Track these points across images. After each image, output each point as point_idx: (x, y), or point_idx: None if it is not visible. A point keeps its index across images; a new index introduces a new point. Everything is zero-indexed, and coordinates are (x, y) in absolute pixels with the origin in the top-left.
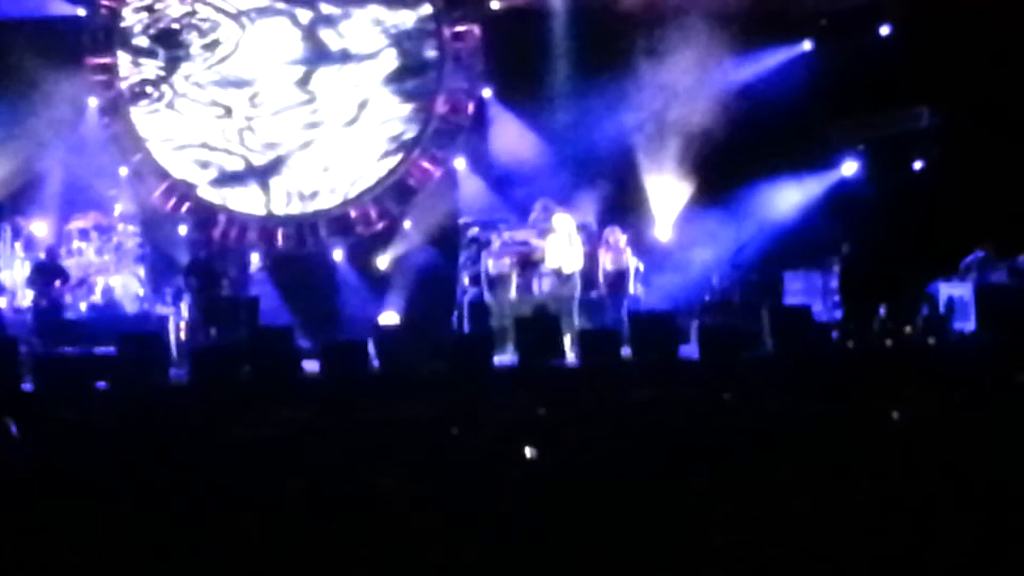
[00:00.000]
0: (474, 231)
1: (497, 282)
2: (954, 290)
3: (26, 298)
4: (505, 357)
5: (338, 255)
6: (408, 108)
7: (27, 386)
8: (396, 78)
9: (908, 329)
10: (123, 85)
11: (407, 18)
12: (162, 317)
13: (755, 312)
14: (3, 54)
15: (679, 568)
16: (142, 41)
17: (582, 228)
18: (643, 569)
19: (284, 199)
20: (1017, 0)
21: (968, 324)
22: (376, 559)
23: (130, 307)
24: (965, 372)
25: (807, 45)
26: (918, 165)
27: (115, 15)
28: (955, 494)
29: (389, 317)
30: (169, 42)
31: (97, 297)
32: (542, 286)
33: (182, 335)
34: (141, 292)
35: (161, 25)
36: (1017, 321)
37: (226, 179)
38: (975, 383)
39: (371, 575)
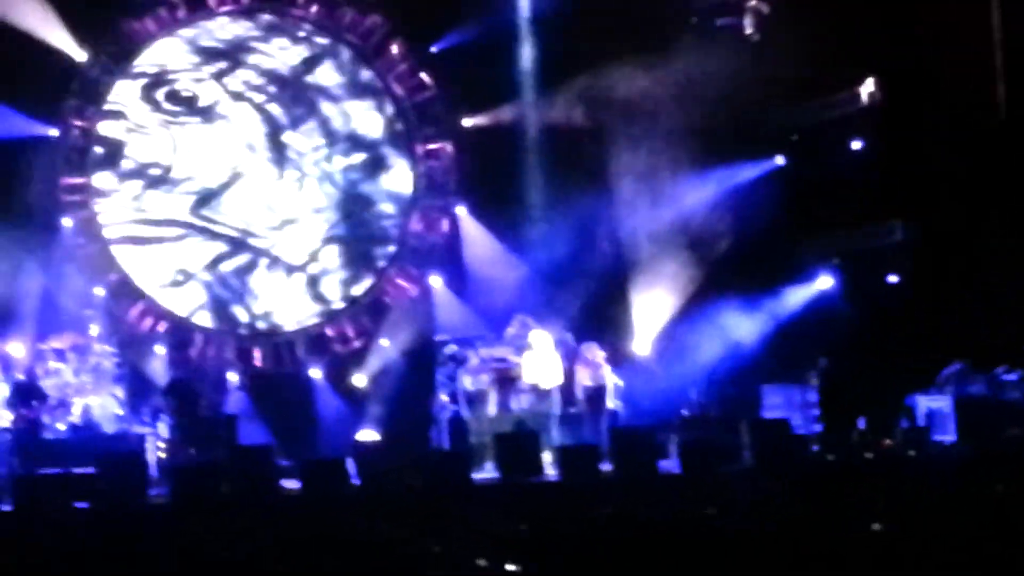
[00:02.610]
0: (451, 348)
1: (475, 398)
2: (933, 402)
3: (3, 419)
4: (485, 474)
5: (316, 373)
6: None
7: (5, 506)
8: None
9: (888, 441)
10: (96, 206)
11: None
12: (141, 437)
13: (734, 426)
14: None
15: None
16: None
17: (559, 344)
18: None
19: (258, 317)
20: (982, 114)
21: (948, 436)
22: None
23: (108, 427)
24: (946, 483)
25: (779, 160)
26: (893, 279)
27: (88, 135)
28: None
29: (368, 434)
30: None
31: (75, 417)
32: (520, 402)
33: (161, 454)
34: (119, 412)
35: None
36: (996, 432)
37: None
38: (956, 494)
39: None
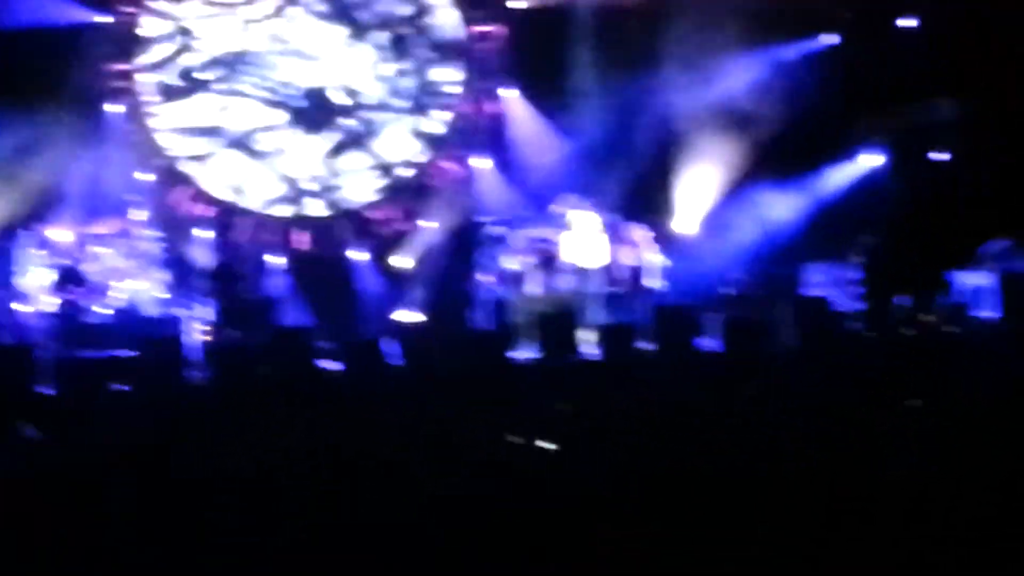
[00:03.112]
0: (494, 228)
1: (517, 279)
2: (975, 279)
3: (48, 304)
4: (524, 354)
5: (358, 255)
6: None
7: (47, 390)
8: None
9: (931, 318)
10: (143, 90)
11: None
12: (182, 320)
13: (776, 305)
14: (23, 62)
15: (694, 566)
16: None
17: (603, 224)
18: (657, 566)
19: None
20: None
21: (989, 312)
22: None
23: (150, 311)
24: (987, 360)
25: (832, 38)
26: (943, 157)
27: (136, 21)
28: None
29: (408, 315)
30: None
31: (118, 302)
32: (562, 282)
33: (203, 337)
34: (162, 296)
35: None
36: None
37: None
38: (998, 371)
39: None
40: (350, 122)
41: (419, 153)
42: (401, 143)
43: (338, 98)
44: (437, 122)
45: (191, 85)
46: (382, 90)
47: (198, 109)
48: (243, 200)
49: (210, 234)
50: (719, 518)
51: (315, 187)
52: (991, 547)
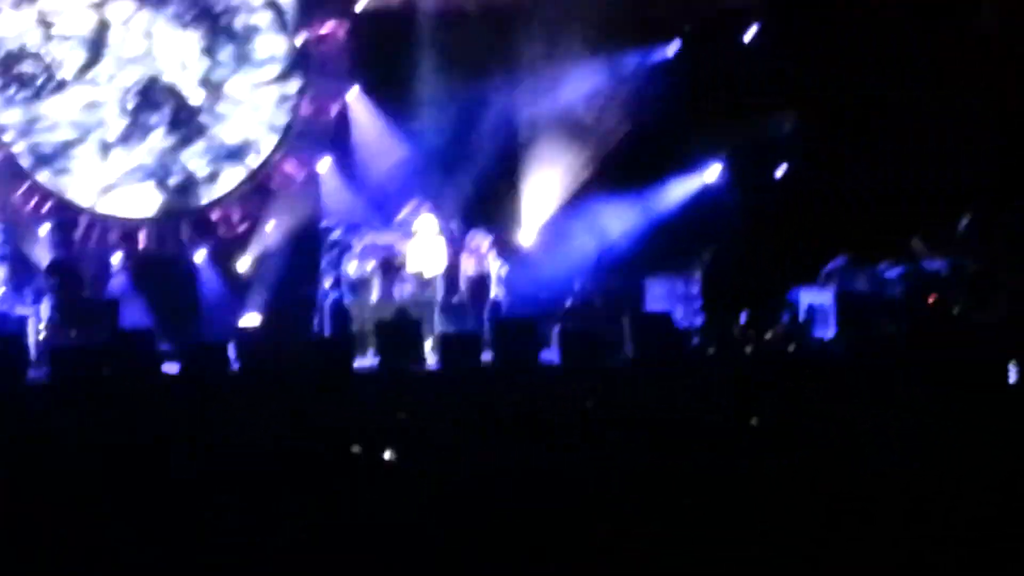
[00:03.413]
0: (337, 233)
1: (359, 285)
2: (815, 297)
3: None
4: (365, 361)
5: (200, 257)
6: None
7: None
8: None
9: (768, 335)
10: None
11: (263, 20)
12: (21, 318)
13: (616, 318)
14: None
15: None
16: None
17: (445, 231)
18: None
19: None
20: (879, 3)
21: (828, 331)
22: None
23: None
24: (823, 378)
25: (672, 48)
26: (781, 171)
27: None
28: (810, 497)
29: (250, 319)
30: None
31: None
32: (404, 290)
33: (42, 336)
34: (1, 292)
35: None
36: (875, 328)
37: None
38: (833, 389)
39: None
40: (190, 118)
41: (261, 153)
42: (242, 142)
43: (177, 94)
44: (279, 123)
45: (36, 80)
46: (223, 88)
47: (42, 105)
48: (84, 198)
49: (50, 231)
50: (561, 526)
51: (156, 185)
52: (822, 551)
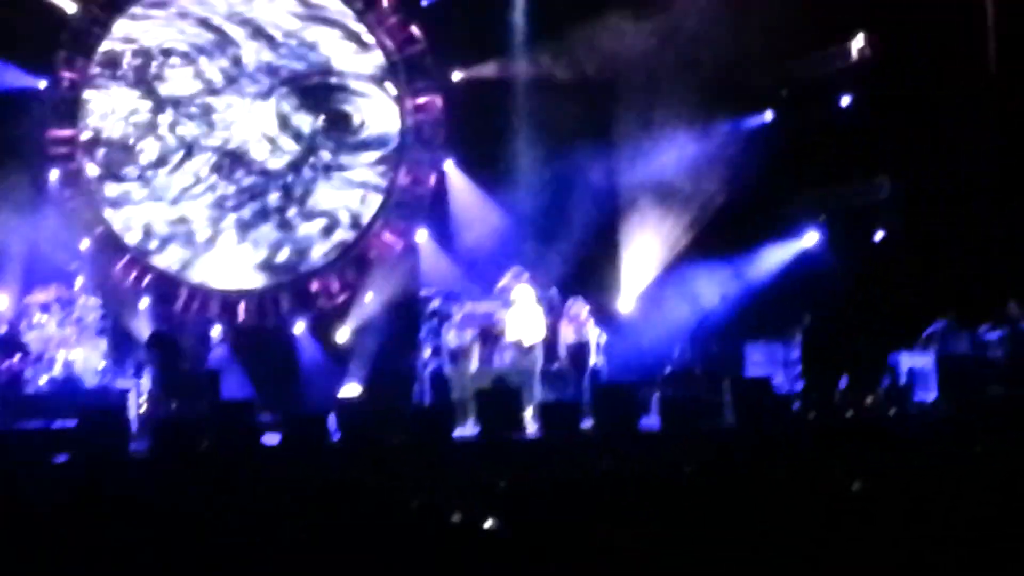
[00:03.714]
0: (436, 303)
1: (458, 354)
2: (916, 361)
3: None
4: (466, 430)
5: (299, 328)
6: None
7: None
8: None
9: (869, 400)
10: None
11: (370, 91)
12: (123, 391)
13: (716, 383)
14: None
15: None
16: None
17: (544, 299)
18: None
19: (248, 269)
20: (973, 70)
21: (929, 395)
22: None
23: (91, 381)
24: (925, 442)
25: (768, 115)
26: (879, 236)
27: (77, 87)
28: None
29: (351, 389)
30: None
31: (58, 371)
32: (503, 358)
33: (143, 409)
34: (102, 366)
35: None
36: (977, 391)
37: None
38: (935, 454)
39: None
40: (290, 191)
41: (360, 224)
42: (341, 213)
43: (276, 168)
44: (377, 194)
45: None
46: (324, 160)
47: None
48: (184, 270)
49: (150, 304)
50: None
51: (256, 258)
52: None
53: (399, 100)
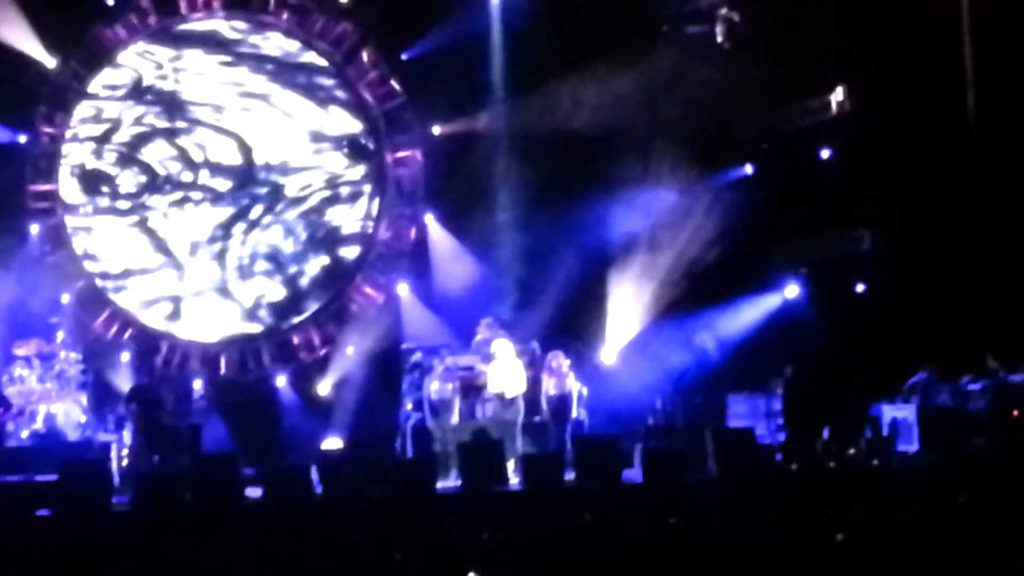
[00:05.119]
0: (417, 356)
1: (440, 407)
2: (898, 412)
3: None
4: (448, 482)
5: (281, 381)
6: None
7: None
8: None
9: (851, 451)
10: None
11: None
12: (104, 444)
13: (699, 435)
14: None
15: None
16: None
17: (525, 352)
18: None
19: (227, 323)
20: (952, 121)
21: (912, 446)
22: None
23: (72, 435)
24: (908, 493)
25: (749, 169)
26: (860, 288)
27: (56, 141)
28: None
29: (332, 443)
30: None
31: (39, 425)
32: (485, 411)
33: (124, 462)
34: (83, 419)
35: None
36: (960, 442)
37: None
38: (918, 504)
39: None
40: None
41: (340, 278)
42: (321, 266)
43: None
44: (358, 247)
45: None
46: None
47: (120, 233)
48: (166, 324)
49: (131, 358)
50: None
51: (237, 310)
52: None
53: (379, 155)
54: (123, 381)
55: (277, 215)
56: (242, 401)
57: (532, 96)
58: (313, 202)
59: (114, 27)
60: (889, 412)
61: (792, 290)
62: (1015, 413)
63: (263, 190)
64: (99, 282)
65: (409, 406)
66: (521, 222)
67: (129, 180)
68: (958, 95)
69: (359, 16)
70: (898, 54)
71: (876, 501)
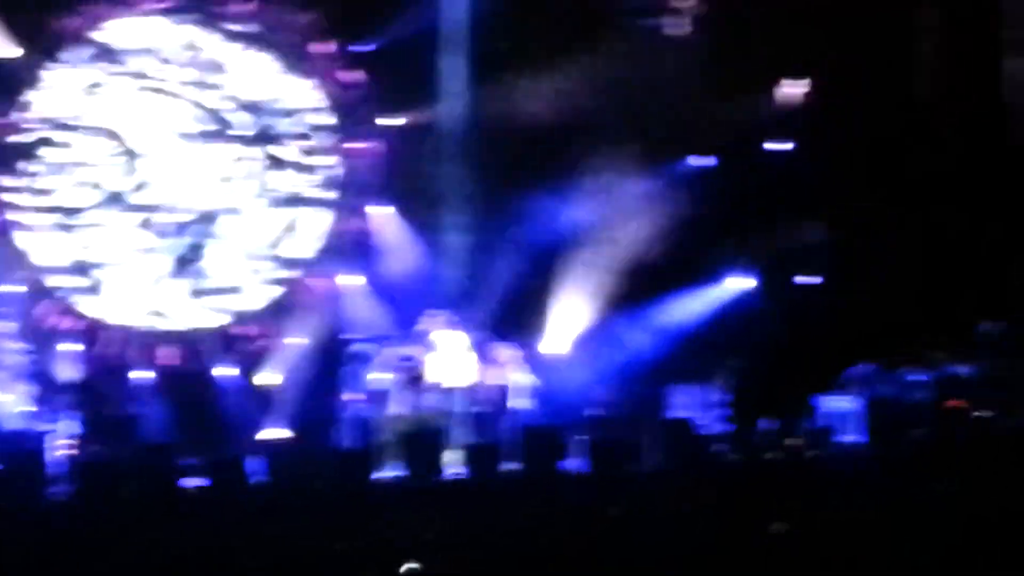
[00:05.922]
0: (357, 346)
1: (380, 397)
2: (838, 403)
3: None
4: (388, 473)
5: (222, 371)
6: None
7: None
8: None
9: (790, 441)
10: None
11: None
12: (43, 434)
13: (640, 426)
14: None
15: None
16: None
17: (470, 342)
18: None
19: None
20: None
21: (851, 436)
22: None
23: (11, 424)
24: (848, 484)
25: (703, 160)
26: (805, 279)
27: (7, 132)
28: None
29: (273, 433)
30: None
31: None
32: (425, 401)
33: (63, 452)
34: (26, 409)
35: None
36: (902, 433)
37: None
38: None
39: None
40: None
41: (285, 269)
42: (265, 255)
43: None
44: (303, 238)
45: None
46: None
47: (67, 223)
48: (109, 314)
49: (76, 347)
50: None
51: (180, 301)
52: None
53: (335, 144)
54: (63, 370)
55: None
56: (183, 391)
57: (486, 88)
58: None
59: (68, 18)
60: (828, 404)
61: (741, 282)
62: (950, 403)
63: None
64: (41, 273)
65: (349, 396)
66: (471, 214)
67: (68, 180)
68: (915, 87)
69: (317, 6)
70: (856, 47)
71: (813, 491)
